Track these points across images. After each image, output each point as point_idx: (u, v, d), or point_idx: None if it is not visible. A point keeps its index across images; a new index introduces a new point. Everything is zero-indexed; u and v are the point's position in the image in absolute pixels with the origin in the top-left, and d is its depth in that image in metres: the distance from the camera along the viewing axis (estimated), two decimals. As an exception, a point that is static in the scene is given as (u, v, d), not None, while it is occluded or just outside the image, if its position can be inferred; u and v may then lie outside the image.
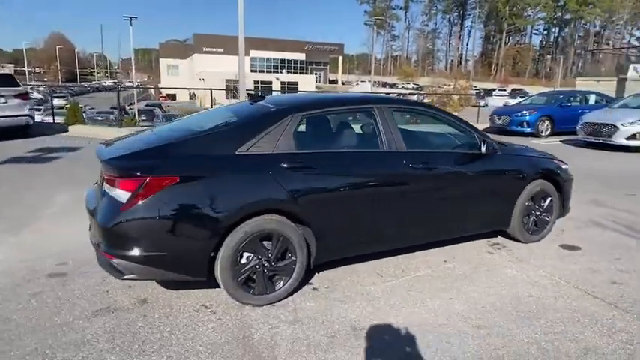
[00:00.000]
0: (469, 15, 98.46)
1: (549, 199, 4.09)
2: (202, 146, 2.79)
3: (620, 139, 9.75)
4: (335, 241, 3.09)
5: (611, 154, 9.74)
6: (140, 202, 2.51)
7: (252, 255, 2.78)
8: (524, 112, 13.01)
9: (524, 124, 12.80)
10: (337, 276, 3.33)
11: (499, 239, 4.18)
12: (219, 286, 2.81)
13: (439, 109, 3.84)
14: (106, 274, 2.82)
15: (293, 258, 2.90)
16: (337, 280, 3.28)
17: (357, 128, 3.45)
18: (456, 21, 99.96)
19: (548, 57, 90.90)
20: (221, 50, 60.03)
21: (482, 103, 30.09)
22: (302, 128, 3.10)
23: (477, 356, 2.38)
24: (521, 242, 4.06)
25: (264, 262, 2.82)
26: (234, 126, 2.97)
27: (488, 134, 3.92)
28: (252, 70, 55.72)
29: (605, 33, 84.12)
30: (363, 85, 69.17)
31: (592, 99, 13.72)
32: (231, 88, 46.41)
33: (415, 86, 71.39)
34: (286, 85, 55.29)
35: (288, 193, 2.81)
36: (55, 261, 3.52)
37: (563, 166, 4.24)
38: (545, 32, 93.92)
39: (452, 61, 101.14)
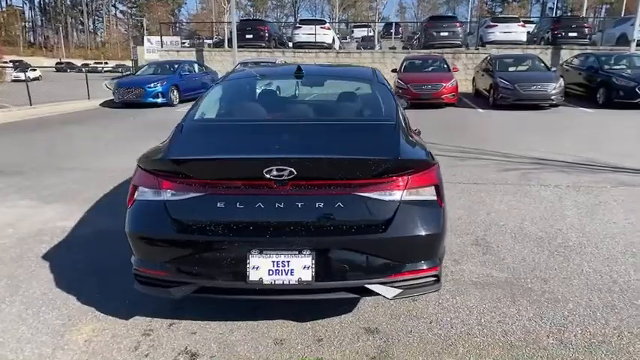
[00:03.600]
0: None
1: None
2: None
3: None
4: None
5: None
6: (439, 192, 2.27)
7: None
8: (157, 83, 13.57)
9: (159, 94, 13.38)
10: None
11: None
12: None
13: None
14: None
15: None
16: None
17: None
18: None
19: (41, 25, 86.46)
20: None
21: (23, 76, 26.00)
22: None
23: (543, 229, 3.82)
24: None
25: None
26: (381, 101, 3.03)
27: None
28: None
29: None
30: None
31: (196, 68, 15.98)
32: None
33: None
34: None
35: None
36: None
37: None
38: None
39: None
